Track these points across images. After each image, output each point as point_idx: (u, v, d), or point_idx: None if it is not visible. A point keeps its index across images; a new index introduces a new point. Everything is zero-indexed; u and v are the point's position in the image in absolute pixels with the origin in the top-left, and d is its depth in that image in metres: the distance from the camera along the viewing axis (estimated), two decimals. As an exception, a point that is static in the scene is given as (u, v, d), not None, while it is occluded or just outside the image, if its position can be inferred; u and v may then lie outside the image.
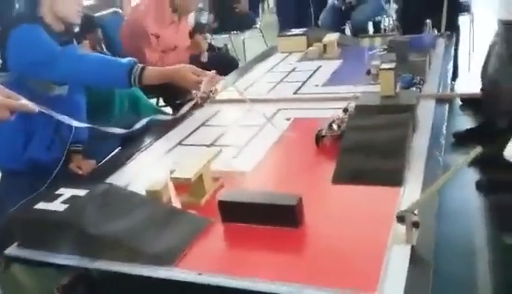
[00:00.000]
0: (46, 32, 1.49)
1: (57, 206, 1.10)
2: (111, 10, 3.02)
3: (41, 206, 1.11)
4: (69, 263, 1.05)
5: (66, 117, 1.20)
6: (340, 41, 2.58)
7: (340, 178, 1.22)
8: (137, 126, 1.51)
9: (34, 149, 1.50)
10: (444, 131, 1.42)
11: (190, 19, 2.83)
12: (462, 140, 2.54)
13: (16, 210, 1.15)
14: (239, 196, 1.10)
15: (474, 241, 1.62)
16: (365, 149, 1.27)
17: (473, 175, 2.15)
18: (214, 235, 1.07)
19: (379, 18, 3.82)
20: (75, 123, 1.22)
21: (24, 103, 0.99)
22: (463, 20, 3.69)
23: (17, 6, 1.68)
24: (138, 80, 1.55)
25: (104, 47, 2.37)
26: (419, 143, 1.35)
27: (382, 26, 3.74)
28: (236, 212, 1.08)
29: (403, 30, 2.89)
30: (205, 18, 4.04)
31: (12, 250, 1.11)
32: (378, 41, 2.45)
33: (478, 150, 0.91)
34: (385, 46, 2.17)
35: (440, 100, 1.66)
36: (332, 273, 0.89)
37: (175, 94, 2.01)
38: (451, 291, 1.37)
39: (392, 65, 1.50)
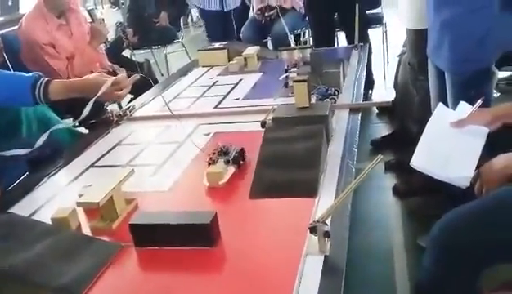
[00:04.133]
0: None
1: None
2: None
3: None
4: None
5: None
6: (260, 54, 2.61)
7: (257, 192, 1.21)
8: (39, 142, 1.42)
9: None
10: (357, 140, 1.46)
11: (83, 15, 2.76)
12: (379, 147, 2.65)
13: None
14: (151, 218, 1.06)
15: (392, 244, 1.68)
16: (280, 162, 1.28)
17: (390, 181, 2.25)
18: (126, 261, 1.02)
19: (299, 31, 3.93)
20: None
21: None
22: (376, 32, 3.89)
23: None
24: (44, 94, 1.45)
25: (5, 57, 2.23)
26: (334, 152, 1.38)
27: (301, 39, 3.84)
28: (150, 235, 1.04)
29: (318, 44, 2.99)
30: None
31: None
32: (296, 53, 2.50)
33: (379, 159, 0.94)
34: (302, 59, 2.22)
35: (354, 110, 1.72)
36: (249, 290, 0.88)
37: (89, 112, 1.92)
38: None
39: (305, 77, 1.53)
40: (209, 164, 1.32)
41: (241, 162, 1.35)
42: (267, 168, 1.27)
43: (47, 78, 1.48)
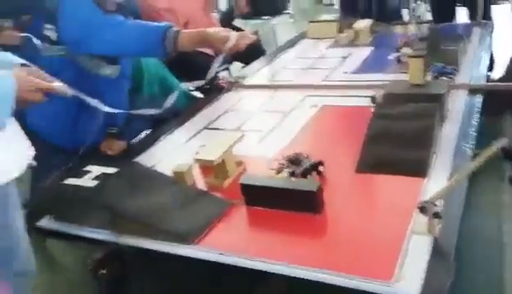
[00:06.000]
0: (98, 6, 1.49)
1: (87, 182, 1.14)
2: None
3: (71, 181, 1.15)
4: (100, 237, 1.09)
5: (97, 101, 1.22)
6: (373, 27, 2.53)
7: (364, 167, 1.21)
8: (167, 104, 1.52)
9: (81, 130, 1.54)
10: (475, 123, 1.38)
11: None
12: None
13: (47, 184, 1.20)
14: (261, 180, 1.12)
15: (503, 234, 1.59)
16: (390, 138, 1.26)
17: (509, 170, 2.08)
18: (235, 217, 1.09)
19: (414, 5, 3.72)
20: (106, 109, 1.24)
21: (57, 85, 1.02)
22: (502, 9, 3.55)
23: None
24: (174, 45, 1.47)
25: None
26: (448, 134, 1.33)
27: (415, 13, 3.64)
28: (258, 196, 1.10)
29: (437, 19, 2.81)
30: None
31: (45, 222, 1.16)
32: (411, 28, 2.39)
33: (503, 141, 0.89)
34: (417, 34, 2.13)
35: (473, 91, 1.62)
36: (349, 259, 0.90)
37: (201, 76, 2.01)
38: (475, 282, 1.36)
39: (422, 53, 1.47)
40: (277, 172, 1.21)
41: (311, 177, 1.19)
42: (376, 144, 1.26)
43: (176, 29, 1.50)
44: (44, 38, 1.48)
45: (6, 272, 0.98)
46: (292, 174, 1.17)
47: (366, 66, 2.06)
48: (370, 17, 2.71)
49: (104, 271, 1.30)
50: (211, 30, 1.52)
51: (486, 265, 1.44)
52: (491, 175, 2.00)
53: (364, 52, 2.25)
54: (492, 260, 1.46)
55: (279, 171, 1.20)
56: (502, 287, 1.30)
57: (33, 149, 1.03)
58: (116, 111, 1.27)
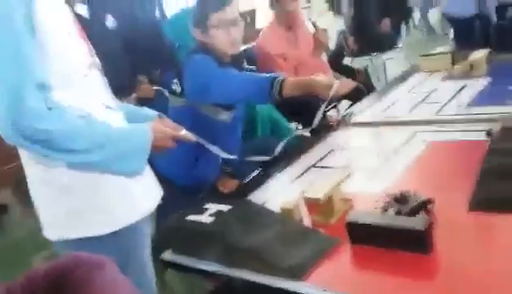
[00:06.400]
0: (215, 61, 1.70)
1: (205, 218, 1.26)
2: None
3: (191, 217, 1.28)
4: (215, 270, 1.19)
5: (216, 148, 1.36)
6: (490, 58, 2.40)
7: (478, 205, 1.16)
8: (278, 149, 1.61)
9: (200, 171, 1.72)
10: None
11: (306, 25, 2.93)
12: None
13: (171, 220, 1.35)
14: (367, 217, 1.13)
15: None
16: (507, 174, 1.19)
17: None
18: (341, 255, 1.11)
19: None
20: (223, 155, 1.37)
21: (185, 133, 1.19)
22: None
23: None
24: (279, 92, 1.58)
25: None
26: None
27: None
28: (364, 234, 1.11)
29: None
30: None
31: (167, 255, 1.30)
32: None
33: None
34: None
35: None
36: (461, 302, 0.87)
37: (312, 117, 2.09)
38: None
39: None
40: (383, 211, 1.19)
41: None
42: (491, 180, 1.20)
43: (282, 77, 1.62)
44: (171, 91, 1.69)
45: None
46: (398, 213, 1.15)
47: (482, 98, 1.96)
48: (487, 47, 2.58)
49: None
50: (315, 78, 1.60)
51: None
52: None
53: (480, 84, 2.15)
54: None
55: (385, 209, 1.19)
56: None
57: (161, 188, 1.19)
58: (232, 157, 1.40)
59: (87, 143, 0.96)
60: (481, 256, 0.99)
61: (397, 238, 1.05)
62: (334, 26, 6.43)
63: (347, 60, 4.07)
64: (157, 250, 1.34)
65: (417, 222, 1.06)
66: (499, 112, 1.66)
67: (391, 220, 1.10)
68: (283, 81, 1.57)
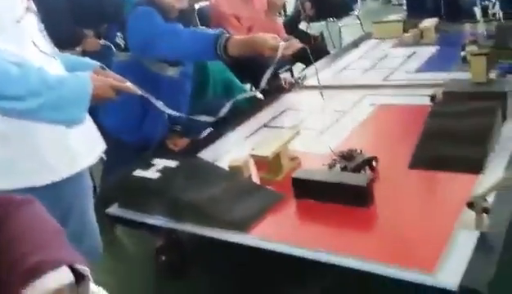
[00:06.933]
0: (160, 14, 1.63)
1: (152, 174, 1.25)
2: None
3: (138, 173, 1.27)
4: (160, 224, 1.19)
5: (161, 103, 1.33)
6: (439, 26, 2.47)
7: (418, 163, 1.21)
8: (223, 110, 1.58)
9: (147, 127, 1.68)
10: (539, 122, 1.33)
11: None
12: None
13: (118, 176, 1.33)
14: (312, 174, 1.16)
15: None
16: (446, 136, 1.25)
17: None
18: (286, 209, 1.14)
19: (487, 2, 3.54)
20: (168, 111, 1.34)
21: (128, 85, 1.14)
22: None
23: None
24: (224, 50, 1.53)
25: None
26: (508, 132, 1.29)
27: (490, 11, 3.46)
28: (309, 189, 1.14)
29: (508, 16, 2.67)
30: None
31: (113, 209, 1.29)
32: (480, 26, 2.30)
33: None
34: (486, 32, 2.05)
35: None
36: (394, 250, 0.92)
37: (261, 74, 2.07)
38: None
39: (485, 51, 1.43)
40: (330, 167, 1.23)
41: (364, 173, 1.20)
42: (432, 141, 1.25)
43: (227, 35, 1.56)
44: (116, 45, 1.63)
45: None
46: (344, 169, 1.20)
47: (430, 65, 2.02)
48: (438, 16, 2.65)
49: (163, 258, 1.41)
50: (260, 37, 1.56)
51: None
52: None
53: (428, 51, 2.21)
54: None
55: (331, 165, 1.24)
56: None
57: (104, 142, 1.15)
58: (177, 114, 1.37)
59: (21, 89, 0.90)
60: (414, 208, 1.05)
61: (339, 194, 1.09)
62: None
63: (303, 26, 4.06)
64: (104, 204, 1.32)
65: (359, 178, 1.10)
66: (443, 78, 1.72)
67: (335, 176, 1.14)
68: (228, 38, 1.54)
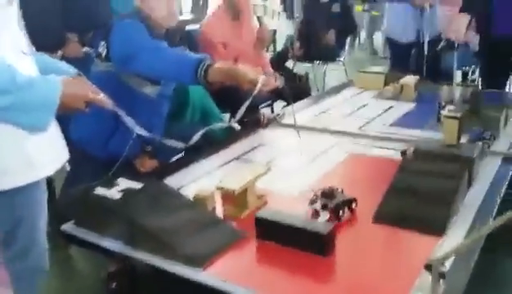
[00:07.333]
0: (147, 30, 1.62)
1: (113, 193, 1.21)
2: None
3: (99, 191, 1.23)
4: (114, 249, 1.14)
5: (132, 120, 1.30)
6: (419, 84, 2.54)
7: (381, 217, 1.21)
8: (194, 138, 1.56)
9: (116, 143, 1.64)
10: (503, 191, 1.35)
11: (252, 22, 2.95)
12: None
13: (78, 191, 1.28)
14: (275, 216, 1.14)
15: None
16: (412, 193, 1.26)
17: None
18: (246, 249, 1.12)
19: (468, 68, 3.68)
20: (138, 129, 1.31)
21: (100, 97, 1.11)
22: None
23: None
24: (204, 75, 1.51)
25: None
26: (473, 198, 1.31)
27: (469, 77, 3.59)
28: (271, 231, 1.12)
29: (487, 84, 2.78)
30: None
31: (69, 227, 1.23)
32: (458, 90, 2.38)
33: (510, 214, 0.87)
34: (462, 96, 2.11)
35: (507, 160, 1.58)
36: (347, 306, 0.90)
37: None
38: None
39: (458, 114, 1.47)
40: (311, 202, 1.25)
41: (343, 213, 1.22)
42: (397, 196, 1.26)
43: (209, 62, 1.54)
44: (97, 55, 1.60)
45: (20, 266, 1.04)
46: (325, 206, 1.21)
47: (405, 121, 2.06)
48: (419, 74, 2.72)
49: (114, 284, 1.35)
50: (240, 68, 1.55)
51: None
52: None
53: (406, 107, 2.26)
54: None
55: (312, 202, 1.24)
56: None
57: (68, 152, 1.11)
58: (146, 134, 1.34)
59: None
60: (373, 264, 1.04)
61: (301, 239, 1.08)
62: (285, 28, 6.52)
63: (290, 64, 4.13)
64: (61, 219, 1.26)
65: (321, 227, 1.09)
66: (417, 135, 1.76)
67: (297, 221, 1.12)
68: (210, 64, 1.53)
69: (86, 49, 2.42)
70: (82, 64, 1.47)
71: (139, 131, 1.26)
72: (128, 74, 1.60)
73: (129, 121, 1.22)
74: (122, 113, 1.19)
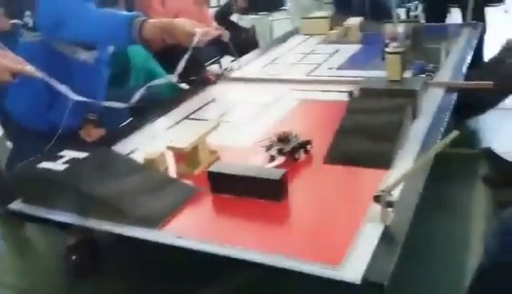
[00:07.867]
0: None
1: (58, 166, 1.17)
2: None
3: (44, 165, 1.18)
4: (68, 221, 1.11)
5: (65, 87, 1.24)
6: (363, 25, 2.55)
7: (331, 159, 1.24)
8: (135, 98, 1.50)
9: (55, 114, 1.56)
10: (446, 120, 1.40)
11: None
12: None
13: (21, 167, 1.23)
14: (228, 168, 1.14)
15: (470, 232, 1.61)
16: (360, 132, 1.28)
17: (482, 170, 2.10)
18: (201, 204, 1.11)
19: (411, 5, 3.74)
20: (73, 96, 1.25)
21: (26, 68, 1.05)
22: (495, 11, 3.55)
23: None
24: (139, 33, 1.41)
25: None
26: (418, 129, 1.35)
27: (412, 13, 3.65)
28: (224, 183, 1.12)
29: (429, 19, 2.83)
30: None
31: (16, 205, 1.19)
32: (401, 27, 2.40)
33: (454, 134, 0.91)
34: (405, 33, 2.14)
35: (451, 89, 1.63)
36: (304, 245, 0.92)
37: (190, 70, 2.03)
38: (441, 281, 1.39)
39: (399, 50, 1.49)
40: (267, 149, 1.27)
41: (299, 156, 1.25)
42: (346, 136, 1.28)
43: (143, 18, 1.44)
44: (24, 25, 1.50)
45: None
46: (280, 151, 1.23)
47: (351, 63, 2.08)
48: (363, 16, 2.73)
49: (74, 257, 1.34)
50: (176, 22, 1.45)
51: (452, 264, 1.46)
52: (465, 176, 2.04)
53: (352, 49, 2.28)
54: (458, 259, 1.48)
55: (268, 148, 1.26)
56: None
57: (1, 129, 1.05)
58: (83, 99, 1.29)
59: None
60: (325, 203, 1.07)
61: (254, 188, 1.08)
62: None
63: (235, 18, 4.04)
64: (7, 197, 1.21)
65: (273, 173, 1.10)
66: (363, 75, 1.78)
67: (249, 170, 1.13)
68: (143, 21, 1.46)
69: (15, 21, 2.28)
70: (11, 37, 1.38)
71: (75, 97, 1.20)
72: (60, 42, 1.51)
73: (63, 88, 1.16)
74: (54, 82, 1.13)
